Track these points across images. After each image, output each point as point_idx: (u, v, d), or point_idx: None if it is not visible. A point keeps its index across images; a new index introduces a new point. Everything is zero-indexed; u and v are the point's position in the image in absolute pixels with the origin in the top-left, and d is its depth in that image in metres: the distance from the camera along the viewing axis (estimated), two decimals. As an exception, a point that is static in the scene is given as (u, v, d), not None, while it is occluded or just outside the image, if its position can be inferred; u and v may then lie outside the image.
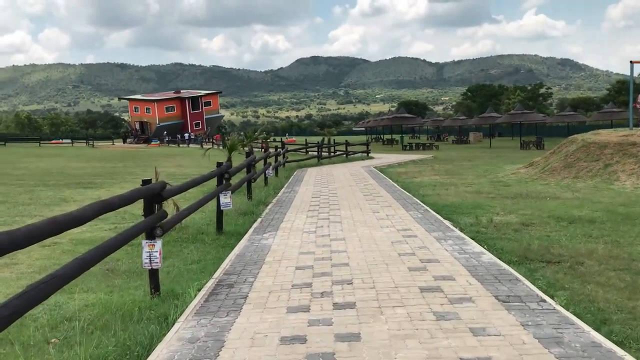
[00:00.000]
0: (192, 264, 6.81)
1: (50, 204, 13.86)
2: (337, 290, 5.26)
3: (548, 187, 14.59)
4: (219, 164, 9.05)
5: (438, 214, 10.12)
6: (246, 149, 16.30)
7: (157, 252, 5.28)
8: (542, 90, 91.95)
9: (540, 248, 7.08)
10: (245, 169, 13.02)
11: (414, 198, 12.33)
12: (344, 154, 30.94)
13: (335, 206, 11.42)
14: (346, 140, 31.62)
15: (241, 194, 13.22)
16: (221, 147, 18.05)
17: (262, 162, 16.81)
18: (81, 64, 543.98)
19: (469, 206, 11.33)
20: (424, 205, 11.10)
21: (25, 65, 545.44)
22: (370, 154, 32.62)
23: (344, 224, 9.11)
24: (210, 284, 5.69)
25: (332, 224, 9.20)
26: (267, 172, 16.06)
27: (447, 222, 9.09)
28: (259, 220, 9.91)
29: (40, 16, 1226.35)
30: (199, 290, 5.46)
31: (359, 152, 32.40)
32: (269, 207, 11.65)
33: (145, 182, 5.56)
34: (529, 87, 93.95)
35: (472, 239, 7.58)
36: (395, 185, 15.57)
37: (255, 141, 25.98)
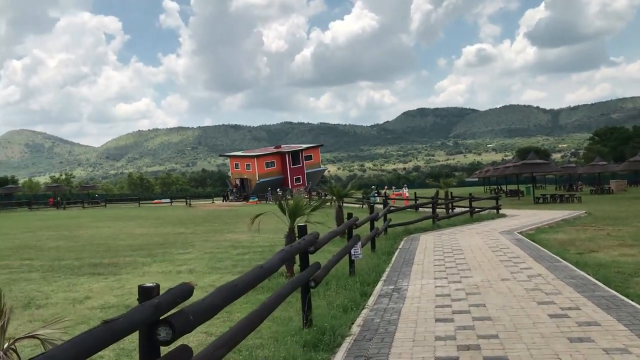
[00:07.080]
0: None
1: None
2: None
3: None
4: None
5: None
6: (307, 217, 9.85)
7: None
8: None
9: None
10: (302, 262, 6.68)
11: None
12: (467, 211, 23.61)
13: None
14: (470, 194, 24.14)
15: (296, 300, 6.93)
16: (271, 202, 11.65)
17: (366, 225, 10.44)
18: (199, 126, 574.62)
19: None
20: None
21: (149, 130, 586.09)
22: (500, 211, 25.17)
23: None
24: None
25: None
26: (353, 252, 9.65)
27: None
28: None
29: (163, 84, 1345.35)
30: None
31: (486, 209, 25.12)
32: (339, 358, 5.14)
33: None
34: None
35: None
36: (586, 276, 8.51)
37: (346, 197, 19.97)
